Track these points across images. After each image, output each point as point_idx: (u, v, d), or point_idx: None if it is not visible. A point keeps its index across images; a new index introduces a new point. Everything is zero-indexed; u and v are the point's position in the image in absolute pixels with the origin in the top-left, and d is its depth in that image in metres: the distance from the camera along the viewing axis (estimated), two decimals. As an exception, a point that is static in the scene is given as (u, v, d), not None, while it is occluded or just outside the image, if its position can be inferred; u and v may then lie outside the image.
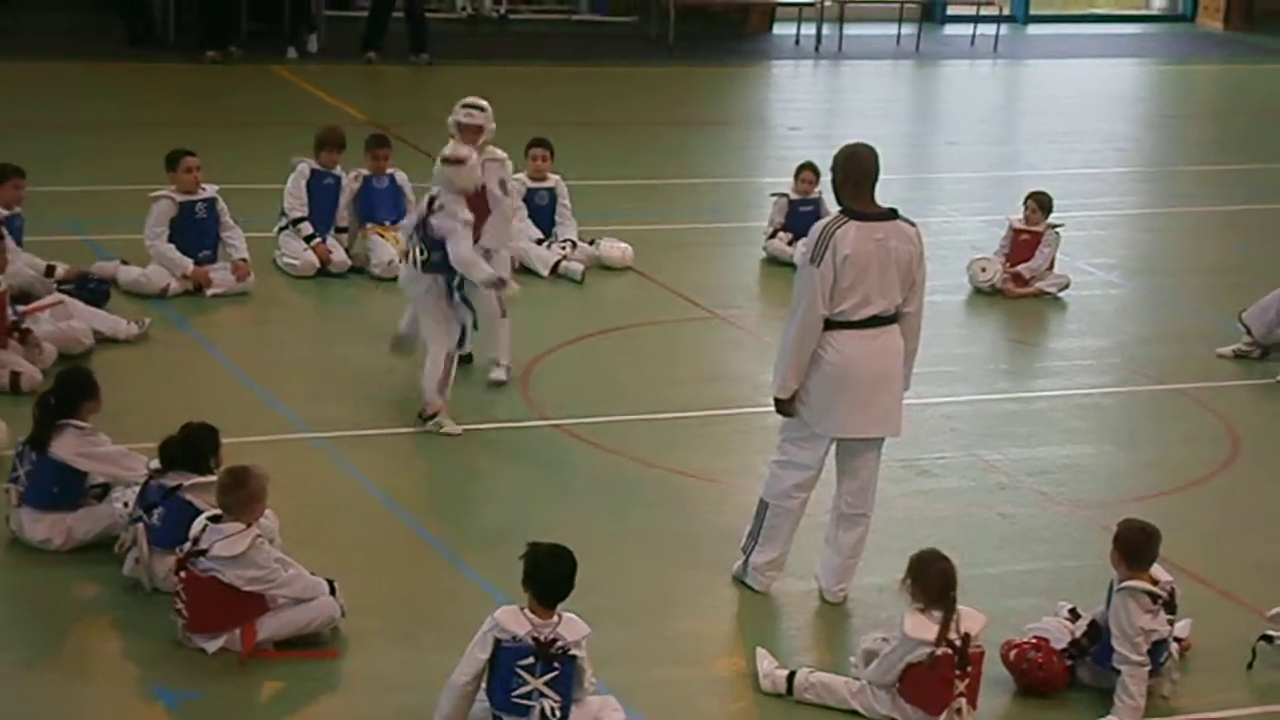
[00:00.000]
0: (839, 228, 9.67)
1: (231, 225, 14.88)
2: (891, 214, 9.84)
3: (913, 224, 9.90)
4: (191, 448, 9.86)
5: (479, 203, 12.73)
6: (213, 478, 9.73)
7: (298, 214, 15.40)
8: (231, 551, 9.13)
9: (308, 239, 15.37)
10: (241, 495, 9.25)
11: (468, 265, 11.95)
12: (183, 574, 9.24)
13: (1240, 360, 14.62)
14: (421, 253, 12.04)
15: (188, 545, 9.26)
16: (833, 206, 16.77)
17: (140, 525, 9.76)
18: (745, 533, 10.32)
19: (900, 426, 10.10)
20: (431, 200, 12.10)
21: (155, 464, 9.93)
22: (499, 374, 13.08)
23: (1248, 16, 33.51)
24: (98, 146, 19.67)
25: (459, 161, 12.07)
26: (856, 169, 9.83)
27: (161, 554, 9.68)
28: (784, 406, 9.98)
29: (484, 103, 13.32)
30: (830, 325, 9.74)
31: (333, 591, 9.46)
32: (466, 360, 12.85)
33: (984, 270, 16.19)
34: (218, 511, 9.30)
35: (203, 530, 9.25)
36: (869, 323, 9.77)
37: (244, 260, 14.84)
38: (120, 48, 25.28)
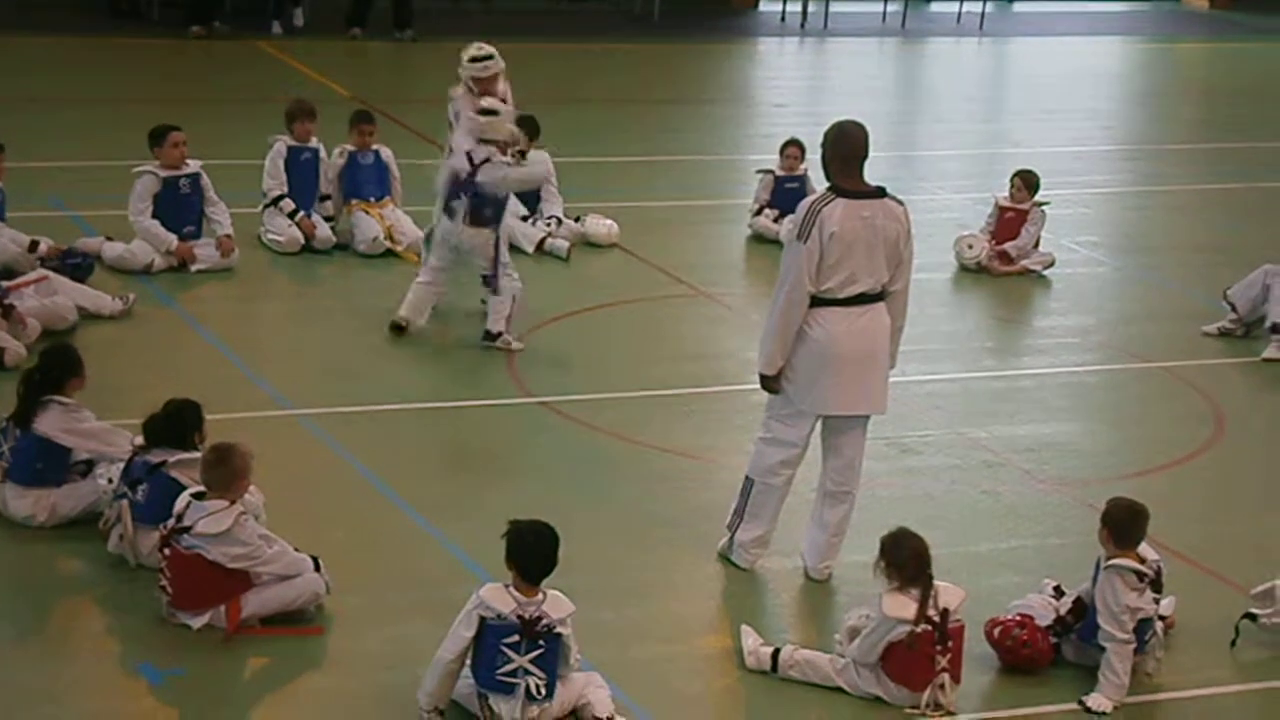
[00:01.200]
0: (826, 205, 9.67)
1: (216, 201, 14.85)
2: (880, 192, 9.82)
3: (900, 202, 9.89)
4: (175, 424, 9.84)
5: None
6: (197, 454, 9.72)
7: (276, 193, 15.37)
8: (215, 529, 9.11)
9: (291, 215, 15.33)
10: (226, 472, 9.24)
11: (522, 179, 13.14)
12: (167, 551, 9.22)
13: (1225, 338, 14.64)
14: (472, 207, 12.81)
15: (171, 522, 9.25)
16: (819, 183, 16.91)
17: (125, 501, 9.75)
18: (731, 510, 10.32)
19: (885, 404, 10.10)
20: (470, 156, 12.73)
21: (139, 440, 9.91)
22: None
23: (1233, -6, 33.55)
24: (81, 122, 19.61)
25: (492, 112, 12.64)
26: (845, 146, 9.83)
27: (146, 530, 9.67)
28: (769, 383, 9.98)
29: (490, 48, 13.53)
30: (816, 302, 9.74)
31: (317, 568, 9.46)
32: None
33: (970, 248, 16.20)
34: (202, 489, 9.29)
35: (186, 507, 9.23)
36: (855, 300, 9.76)
37: (228, 236, 14.81)
38: (104, 22, 25.23)
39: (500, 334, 13.21)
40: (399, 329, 13.40)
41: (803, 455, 10.16)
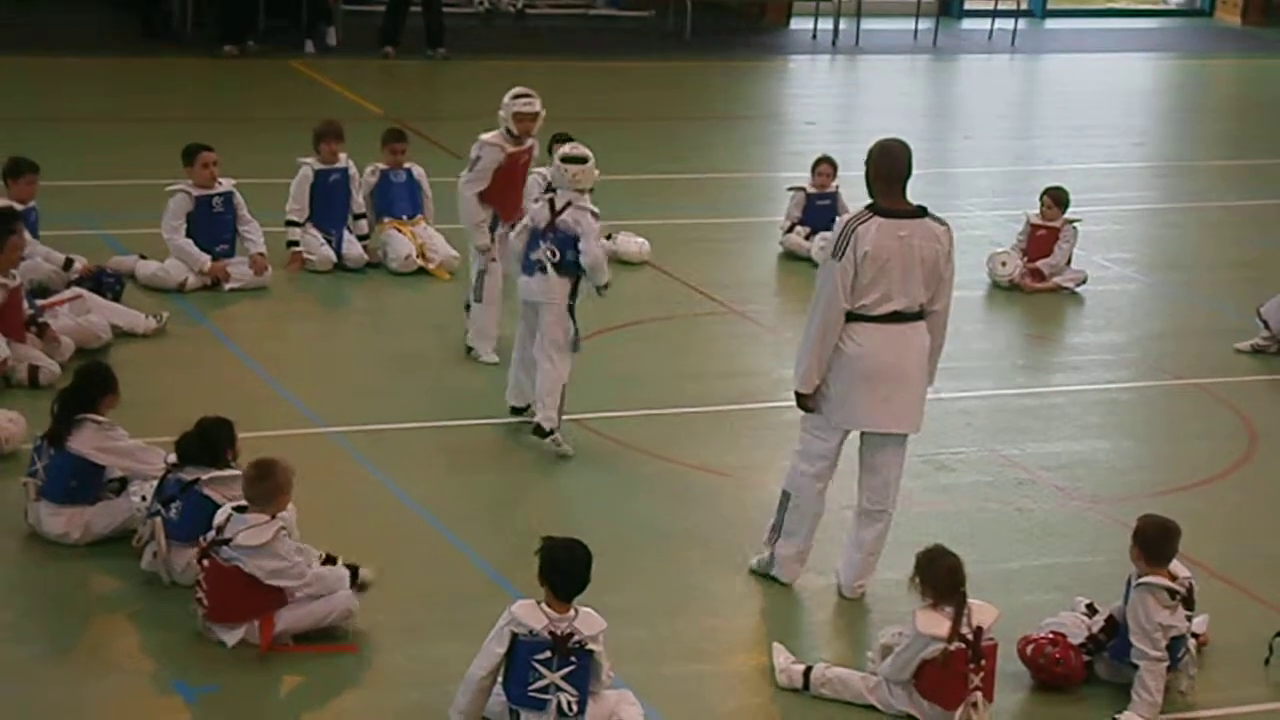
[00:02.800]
0: (861, 224, 9.67)
1: (249, 219, 14.90)
2: (920, 211, 9.81)
3: (942, 223, 9.87)
4: (208, 442, 9.87)
5: (525, 175, 13.47)
6: (231, 471, 9.77)
7: (293, 217, 15.41)
8: (256, 541, 9.15)
9: (290, 244, 15.37)
10: (267, 487, 9.29)
11: (600, 263, 11.82)
12: (205, 562, 9.26)
13: (1258, 355, 14.60)
14: (553, 255, 11.78)
15: (211, 534, 9.29)
16: (850, 200, 16.95)
17: (158, 519, 9.78)
18: (769, 525, 10.32)
19: (918, 424, 10.08)
20: (551, 203, 11.88)
21: (172, 458, 9.95)
22: None
23: (1266, 11, 33.44)
24: (115, 141, 19.69)
25: (581, 160, 11.93)
26: (887, 165, 9.83)
27: (180, 548, 9.71)
28: (804, 401, 9.99)
29: (532, 91, 13.47)
30: (852, 318, 9.74)
31: (354, 578, 9.50)
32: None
33: (1003, 265, 16.18)
34: (243, 502, 9.33)
35: (227, 520, 9.29)
36: (891, 318, 9.76)
37: (261, 255, 14.85)
38: (137, 42, 25.31)
39: (552, 432, 11.89)
40: (517, 411, 12.46)
41: (832, 468, 10.16)
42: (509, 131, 13.21)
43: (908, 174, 9.84)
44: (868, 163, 9.89)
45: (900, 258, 9.69)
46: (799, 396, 10.01)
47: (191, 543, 9.59)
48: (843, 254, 9.64)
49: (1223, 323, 15.47)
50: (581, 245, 11.74)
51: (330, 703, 9.00)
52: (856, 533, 10.22)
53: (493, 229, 13.21)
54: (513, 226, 12.65)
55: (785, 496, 10.25)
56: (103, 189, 17.45)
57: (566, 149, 12.09)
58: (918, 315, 9.86)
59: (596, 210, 11.90)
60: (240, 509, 9.33)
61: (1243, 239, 18.70)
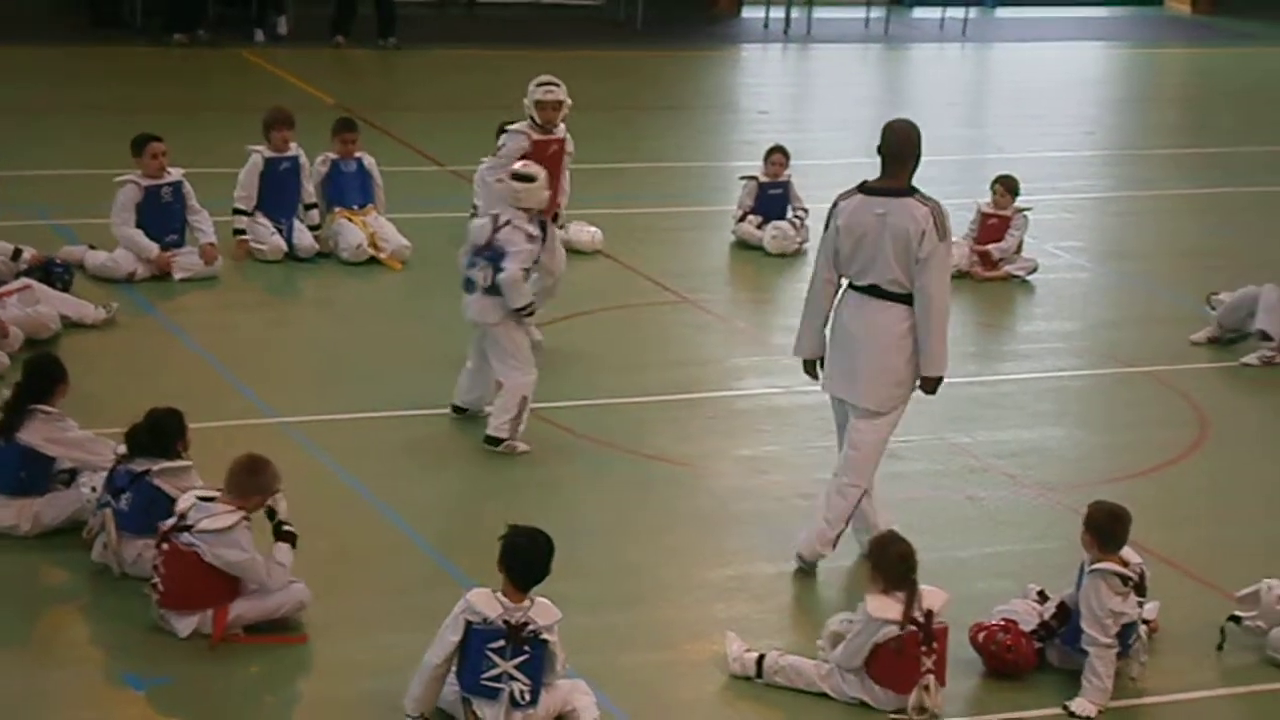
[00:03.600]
0: (844, 199, 10.18)
1: (198, 209, 14.83)
2: (909, 191, 10.11)
3: (928, 204, 10.12)
4: (158, 433, 9.83)
5: (559, 166, 13.32)
6: (181, 462, 9.76)
7: (240, 205, 15.35)
8: (216, 526, 9.14)
9: (236, 232, 15.31)
10: (254, 483, 9.36)
11: (513, 283, 11.52)
12: (164, 546, 9.22)
13: (1209, 344, 14.63)
14: (485, 278, 11.59)
15: (173, 520, 9.26)
16: (802, 190, 16.98)
17: (108, 510, 9.73)
18: None
19: (875, 400, 10.17)
20: (494, 220, 11.71)
21: (122, 449, 9.90)
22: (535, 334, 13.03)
23: (1215, 0, 33.58)
24: (64, 131, 19.58)
25: (529, 179, 11.73)
26: (886, 145, 10.26)
27: (130, 539, 9.67)
28: (805, 368, 10.48)
29: (558, 80, 13.45)
30: (850, 287, 10.20)
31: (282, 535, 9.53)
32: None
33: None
34: (209, 493, 9.34)
35: (191, 507, 9.27)
36: (868, 290, 10.10)
37: (211, 244, 14.79)
38: (87, 31, 25.16)
39: (505, 440, 11.76)
40: (458, 410, 12.29)
41: (841, 439, 10.42)
42: (534, 120, 13.25)
43: (903, 153, 10.21)
44: (880, 139, 10.34)
45: (873, 233, 10.00)
46: (803, 363, 10.45)
47: (142, 534, 9.57)
48: (827, 226, 10.19)
49: (1173, 310, 15.53)
50: (503, 263, 11.56)
51: (282, 693, 8.98)
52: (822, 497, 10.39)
53: None
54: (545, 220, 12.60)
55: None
56: (52, 179, 17.35)
57: (518, 166, 11.98)
58: (895, 295, 10.04)
59: (534, 232, 11.68)
60: (206, 499, 9.30)
61: (1193, 227, 18.78)
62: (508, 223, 11.65)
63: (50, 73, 22.80)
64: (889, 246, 9.96)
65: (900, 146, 10.20)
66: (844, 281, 10.25)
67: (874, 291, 10.05)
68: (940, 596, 8.98)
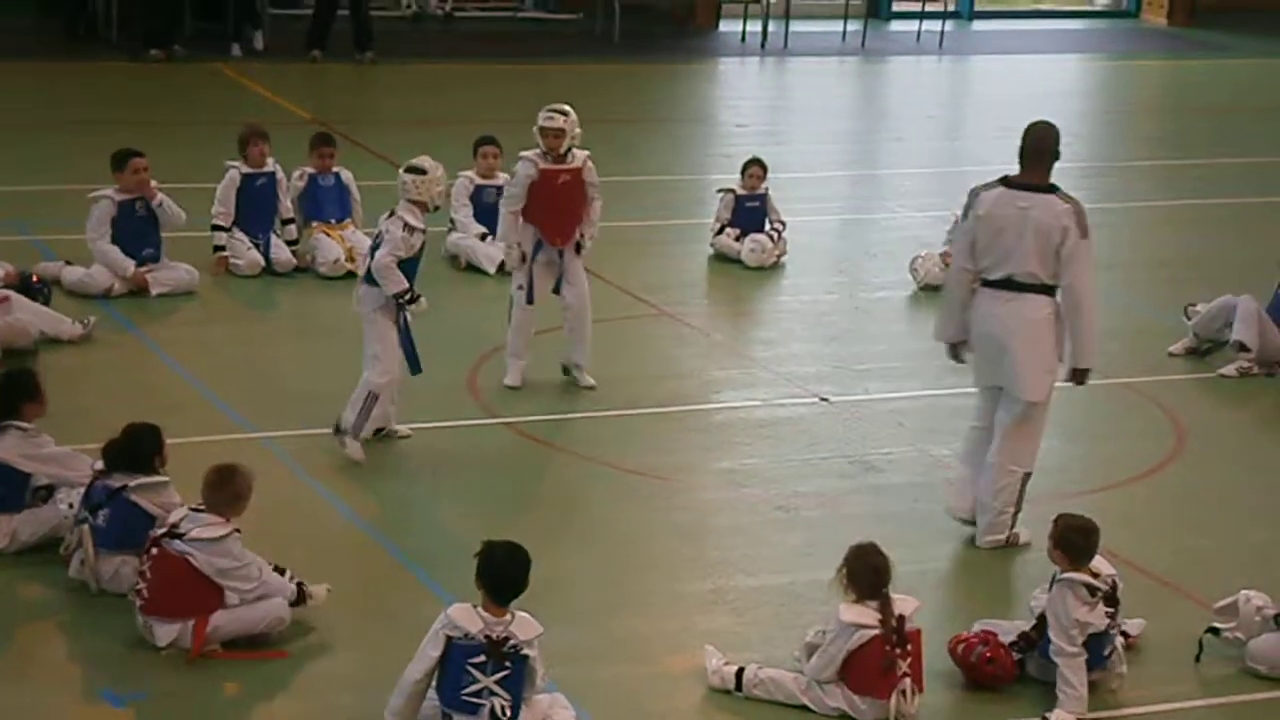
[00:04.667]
0: (986, 190, 10.58)
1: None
2: (1050, 189, 10.52)
3: (1069, 201, 10.51)
4: (135, 448, 9.81)
5: (576, 195, 12.91)
6: (159, 478, 9.74)
7: (218, 221, 15.34)
8: (209, 535, 9.16)
9: (216, 248, 15.31)
10: (227, 494, 9.32)
11: (383, 270, 11.39)
12: (153, 550, 9.20)
13: (1187, 356, 14.66)
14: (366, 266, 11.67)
15: (164, 529, 9.27)
16: (779, 202, 17.00)
17: (85, 527, 9.71)
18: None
19: (1031, 391, 10.65)
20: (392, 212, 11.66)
21: (99, 465, 9.88)
22: (584, 379, 13.20)
23: (1191, 12, 33.68)
24: (40, 146, 19.54)
25: (420, 171, 11.63)
26: (1028, 143, 10.61)
27: (107, 555, 9.65)
28: (949, 351, 11.03)
29: (566, 107, 13.01)
30: (983, 283, 10.60)
31: (300, 596, 9.46)
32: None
33: (917, 270, 16.14)
34: (199, 505, 9.34)
35: (183, 517, 9.28)
36: (1003, 284, 10.53)
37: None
38: (62, 47, 25.13)
39: (342, 431, 11.64)
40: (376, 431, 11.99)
41: (987, 428, 10.86)
42: (541, 149, 12.90)
43: (1045, 151, 10.59)
44: (1021, 137, 10.68)
45: (1015, 226, 10.41)
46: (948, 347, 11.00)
47: (119, 550, 9.56)
48: (965, 216, 10.66)
49: (1150, 322, 15.55)
50: (376, 252, 11.51)
51: (261, 709, 8.95)
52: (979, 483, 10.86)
53: (537, 250, 12.91)
54: (553, 251, 12.74)
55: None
56: (28, 194, 17.31)
57: (413, 160, 11.79)
58: (1032, 286, 10.49)
59: (415, 223, 11.49)
60: (197, 509, 9.31)
61: (1170, 238, 18.81)
62: (392, 213, 11.60)
63: (26, 88, 22.77)
64: (1030, 240, 10.38)
65: (1041, 144, 10.60)
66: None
67: (1009, 284, 10.49)
68: (911, 603, 9.00)
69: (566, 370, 13.23)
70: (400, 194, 11.61)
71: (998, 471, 10.76)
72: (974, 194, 10.61)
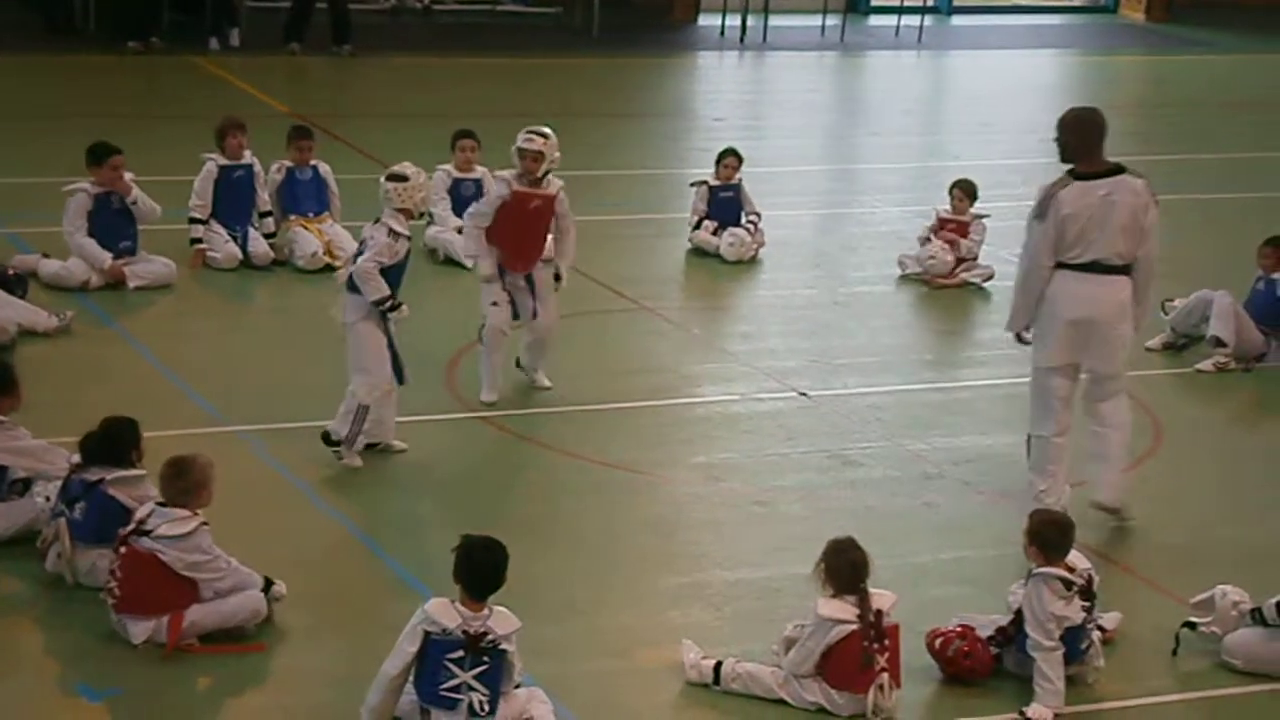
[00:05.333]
0: (1062, 189, 10.75)
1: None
2: (1119, 169, 10.85)
3: (1141, 176, 10.91)
4: (112, 442, 9.78)
5: (543, 223, 12.60)
6: (136, 471, 9.71)
7: (196, 214, 15.32)
8: (177, 531, 9.12)
9: (194, 241, 15.28)
10: (184, 485, 9.27)
11: (364, 276, 11.26)
12: (122, 549, 9.18)
13: (1165, 351, 14.68)
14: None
15: (132, 525, 9.23)
16: (755, 195, 16.99)
17: (62, 520, 9.69)
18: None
19: (1121, 366, 11.11)
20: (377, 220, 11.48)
21: (76, 458, 9.85)
22: (541, 380, 13.02)
23: (1168, 8, 33.75)
24: (17, 138, 19.48)
25: (401, 179, 11.45)
26: (1087, 131, 10.89)
27: (84, 549, 9.62)
28: (1018, 338, 11.30)
29: (546, 130, 12.56)
30: (1058, 266, 10.82)
31: (268, 587, 9.44)
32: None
33: (904, 266, 16.21)
34: (159, 500, 9.31)
35: (150, 513, 9.24)
36: (1089, 267, 10.78)
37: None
38: (40, 39, 25.06)
39: (337, 443, 11.46)
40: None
41: (1063, 409, 11.04)
42: (519, 169, 12.53)
43: (1102, 135, 10.91)
44: (1062, 131, 10.88)
45: (1099, 215, 10.70)
46: (1017, 337, 11.29)
47: (96, 544, 9.53)
48: (1044, 216, 10.76)
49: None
50: (359, 257, 11.38)
51: (238, 703, 8.94)
52: (1103, 452, 11.15)
53: (503, 273, 12.66)
54: (519, 277, 12.57)
55: (1027, 439, 11.22)
56: (5, 186, 17.26)
57: (393, 168, 11.58)
58: (1116, 268, 10.80)
59: (400, 230, 11.35)
60: (162, 504, 9.28)
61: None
62: (378, 220, 11.46)
63: (3, 80, 22.68)
64: (1117, 223, 10.69)
65: (1097, 131, 10.90)
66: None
67: (1094, 267, 10.75)
68: (888, 598, 9.01)
69: (519, 364, 13.08)
70: (383, 203, 11.49)
71: (1125, 432, 11.21)
72: (1049, 195, 10.76)
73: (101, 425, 9.87)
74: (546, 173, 12.58)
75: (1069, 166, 10.89)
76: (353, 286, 11.43)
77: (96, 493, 9.65)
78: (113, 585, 9.23)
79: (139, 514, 9.30)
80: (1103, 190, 10.74)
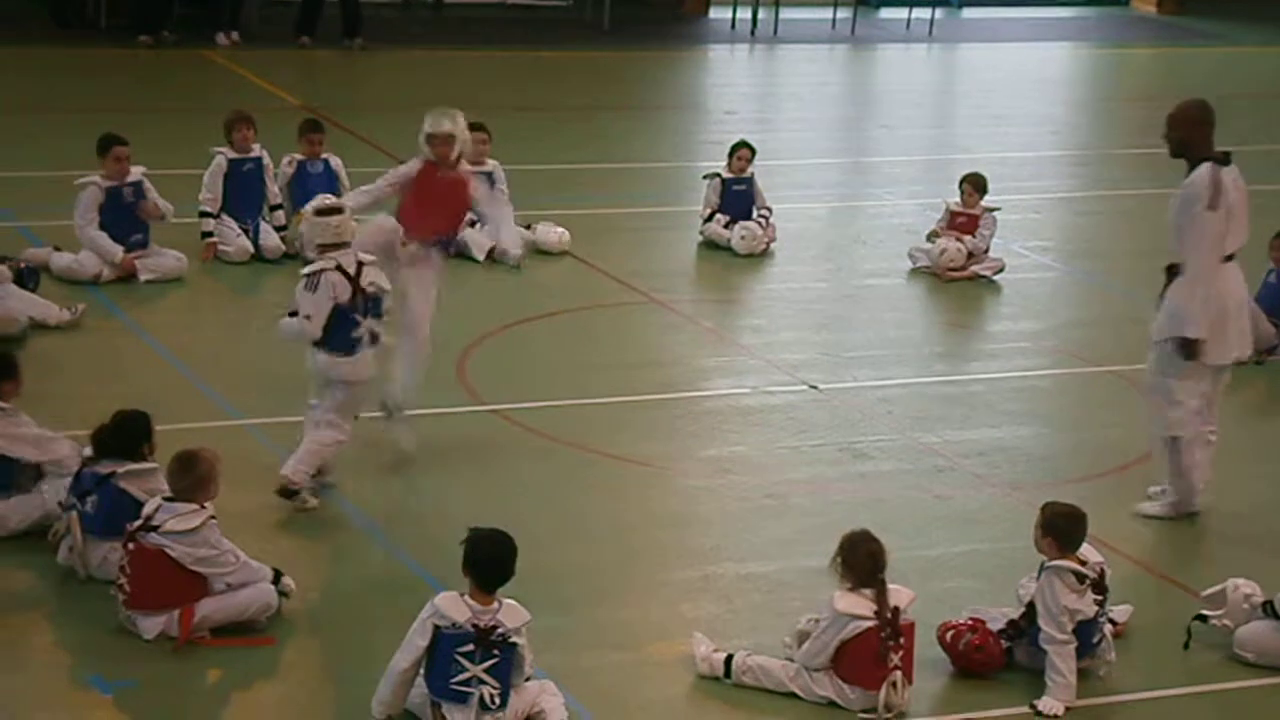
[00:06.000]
0: (1225, 175, 10.60)
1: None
2: (1229, 157, 10.80)
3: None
4: (124, 435, 9.79)
5: (435, 195, 11.85)
6: (147, 464, 9.71)
7: (206, 207, 15.34)
8: (184, 526, 9.12)
9: (204, 234, 15.30)
10: (192, 479, 9.27)
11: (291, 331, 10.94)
12: (130, 546, 9.18)
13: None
14: (372, 336, 10.95)
15: (139, 521, 9.23)
16: (768, 190, 16.96)
17: (74, 513, 9.69)
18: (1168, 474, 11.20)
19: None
20: (344, 273, 10.74)
21: (88, 451, 9.86)
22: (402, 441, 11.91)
23: (1180, 0, 33.68)
24: (29, 132, 19.49)
25: (336, 211, 10.80)
26: (1209, 123, 10.77)
27: (96, 541, 9.63)
28: (1194, 348, 10.85)
29: (454, 110, 11.88)
30: (1226, 259, 10.81)
31: (277, 579, 9.44)
32: None
33: (914, 260, 16.22)
34: (166, 495, 9.31)
35: (156, 509, 9.24)
36: (1229, 258, 10.83)
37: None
38: (51, 32, 25.07)
39: (296, 493, 10.72)
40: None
41: (1203, 407, 11.03)
42: (429, 158, 11.82)
43: (1213, 121, 10.84)
44: (1180, 125, 10.77)
45: (1243, 199, 10.78)
46: (1190, 344, 10.81)
47: (108, 537, 9.53)
48: (1217, 204, 10.63)
49: (1139, 310, 15.47)
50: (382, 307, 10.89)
51: (249, 696, 8.94)
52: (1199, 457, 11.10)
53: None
54: (430, 244, 11.65)
55: (1174, 441, 11.01)
56: (17, 180, 17.26)
57: (316, 201, 11.00)
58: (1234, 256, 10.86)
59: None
60: (170, 499, 9.28)
61: (1159, 227, 18.58)
62: (360, 264, 10.81)
63: (14, 74, 22.70)
64: (1246, 210, 10.78)
65: (1212, 121, 10.80)
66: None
67: (1231, 257, 10.79)
68: (906, 595, 9.00)
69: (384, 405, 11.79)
70: (332, 239, 10.78)
71: (1204, 440, 11.15)
72: (1216, 184, 10.65)
73: (113, 418, 9.87)
74: (459, 156, 11.85)
75: (1180, 159, 10.85)
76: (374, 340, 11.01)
77: (108, 486, 9.66)
78: (122, 581, 9.24)
79: (145, 510, 9.30)
80: (1237, 177, 10.78)
